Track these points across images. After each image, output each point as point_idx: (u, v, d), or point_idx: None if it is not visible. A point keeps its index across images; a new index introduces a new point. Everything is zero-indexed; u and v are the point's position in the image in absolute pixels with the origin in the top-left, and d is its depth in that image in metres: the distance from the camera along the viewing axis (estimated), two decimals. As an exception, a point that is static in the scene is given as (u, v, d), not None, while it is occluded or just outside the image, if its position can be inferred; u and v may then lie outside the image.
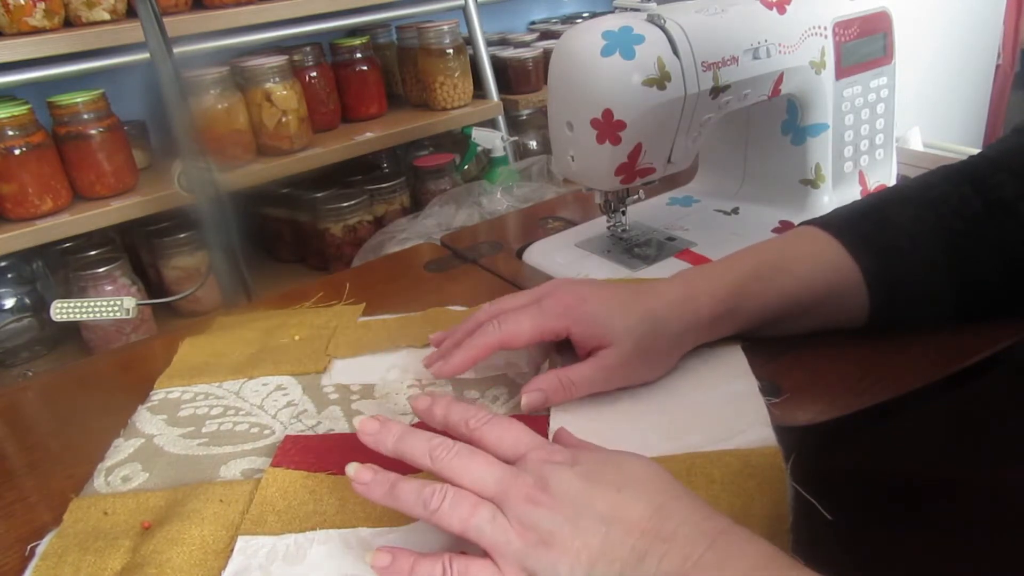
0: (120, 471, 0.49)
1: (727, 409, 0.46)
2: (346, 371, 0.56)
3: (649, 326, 0.47)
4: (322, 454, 0.47)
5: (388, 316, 0.62)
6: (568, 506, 0.35)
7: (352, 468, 0.39)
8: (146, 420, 0.54)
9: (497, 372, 0.52)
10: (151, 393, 0.56)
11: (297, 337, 0.61)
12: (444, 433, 0.40)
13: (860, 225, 0.50)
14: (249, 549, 0.41)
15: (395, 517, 0.41)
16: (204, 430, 0.52)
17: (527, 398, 0.47)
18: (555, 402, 0.48)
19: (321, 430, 0.50)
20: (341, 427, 0.50)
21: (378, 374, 0.55)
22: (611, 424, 0.46)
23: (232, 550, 0.41)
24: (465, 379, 0.52)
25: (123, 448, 0.51)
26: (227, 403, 0.54)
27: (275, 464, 0.47)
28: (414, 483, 0.37)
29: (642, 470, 0.37)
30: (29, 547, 0.44)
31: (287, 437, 0.49)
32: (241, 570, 0.40)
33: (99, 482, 0.49)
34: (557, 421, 0.47)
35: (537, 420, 0.47)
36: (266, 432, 0.51)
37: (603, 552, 0.34)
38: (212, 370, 0.58)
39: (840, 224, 0.51)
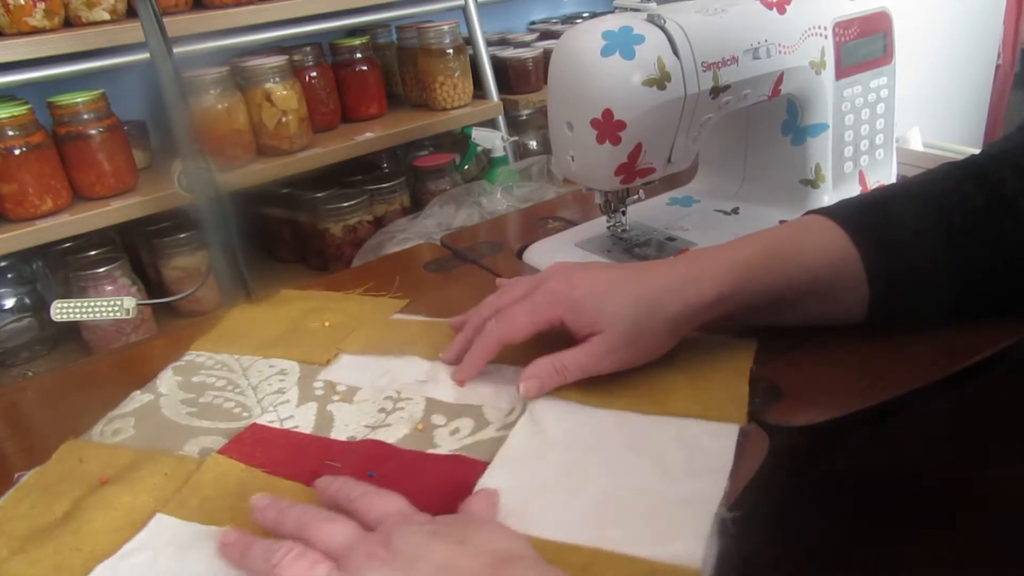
0: (117, 423, 0.52)
1: (671, 508, 0.39)
2: (347, 368, 0.56)
3: (645, 309, 0.47)
4: (272, 450, 0.48)
5: (421, 318, 0.61)
6: (404, 559, 0.34)
7: (222, 530, 0.40)
8: (166, 378, 0.57)
9: (479, 402, 0.50)
10: (185, 352, 0.59)
11: (327, 323, 0.62)
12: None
13: (865, 216, 0.50)
14: (158, 528, 0.43)
15: None
16: (200, 400, 0.54)
17: (524, 386, 0.48)
18: (549, 387, 0.48)
19: (289, 424, 0.51)
20: (308, 426, 0.50)
21: (371, 377, 0.54)
22: (541, 490, 0.42)
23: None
24: (440, 401, 0.51)
25: (133, 401, 0.54)
26: (233, 378, 0.56)
27: (222, 450, 0.48)
28: (266, 542, 0.38)
29: (496, 530, 0.36)
30: (16, 475, 0.47)
31: (252, 425, 0.51)
32: (140, 547, 0.42)
33: (96, 430, 0.52)
34: (492, 476, 0.43)
35: (473, 468, 0.44)
36: (244, 415, 0.52)
37: None
38: (241, 342, 0.60)
39: (846, 214, 0.51)
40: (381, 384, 0.53)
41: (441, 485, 0.43)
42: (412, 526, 0.36)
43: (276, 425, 0.51)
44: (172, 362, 0.59)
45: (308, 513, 0.39)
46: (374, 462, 0.45)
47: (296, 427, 0.50)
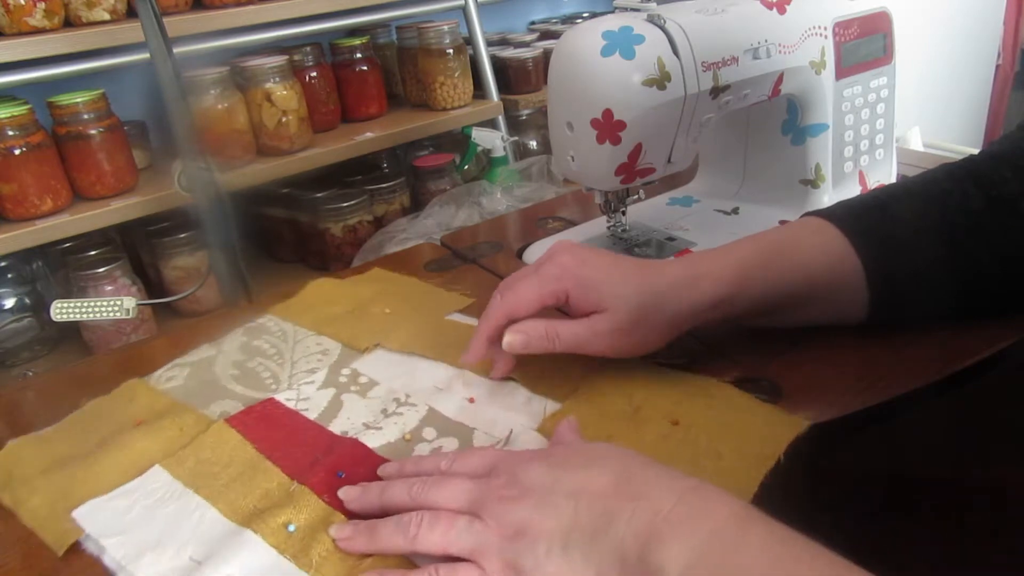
0: (175, 371, 0.57)
1: None
2: (377, 361, 0.57)
3: (648, 299, 0.47)
4: (273, 429, 0.49)
5: (474, 322, 0.59)
6: (536, 493, 0.36)
7: (334, 528, 0.40)
8: (234, 336, 0.61)
9: (473, 425, 0.49)
10: (262, 314, 0.63)
11: (388, 310, 0.63)
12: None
13: (864, 217, 0.50)
14: (150, 479, 0.46)
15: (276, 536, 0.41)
16: (247, 364, 0.57)
17: (508, 337, 0.48)
18: (536, 348, 0.48)
19: (302, 406, 0.52)
20: (316, 411, 0.51)
21: (393, 375, 0.55)
22: None
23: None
24: (440, 414, 0.50)
25: (198, 352, 0.59)
26: (282, 349, 0.58)
27: (230, 419, 0.50)
28: (391, 519, 0.38)
29: (609, 449, 0.38)
30: (83, 400, 0.54)
31: (269, 400, 0.52)
32: (127, 492, 0.45)
33: (158, 374, 0.57)
34: None
35: None
36: (271, 387, 0.54)
37: (575, 524, 0.34)
38: (308, 314, 0.62)
39: (844, 216, 0.50)
40: (396, 385, 0.53)
41: None
42: (530, 463, 0.37)
43: (291, 404, 0.52)
44: (248, 322, 0.63)
45: (415, 484, 0.39)
46: (349, 463, 0.45)
47: (306, 410, 0.51)
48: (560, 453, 0.39)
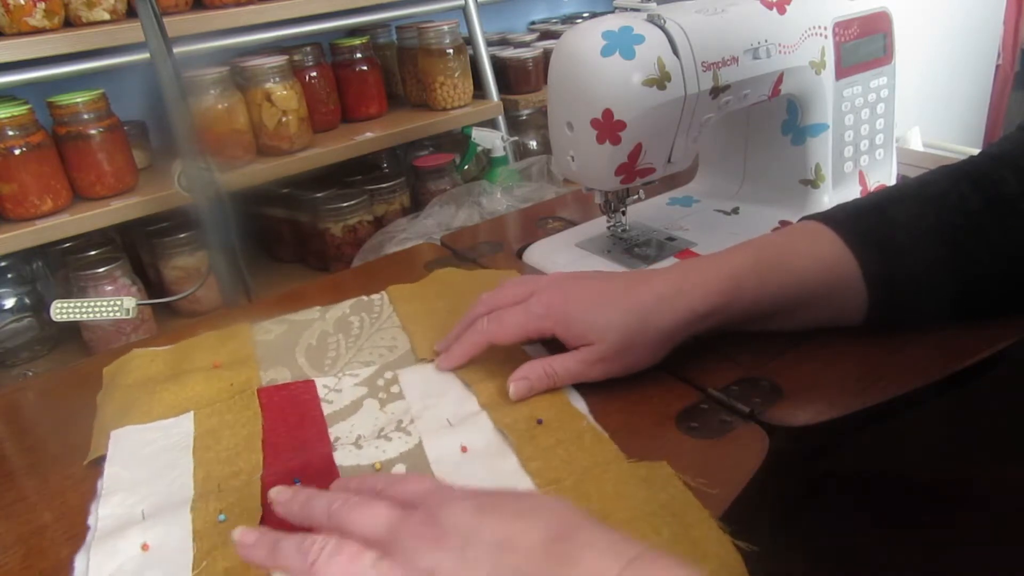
0: (275, 326, 0.60)
1: None
2: (422, 374, 0.54)
3: (634, 320, 0.47)
4: (288, 414, 0.51)
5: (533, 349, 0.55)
6: (456, 538, 0.32)
7: (237, 532, 0.37)
8: (341, 307, 0.63)
9: (440, 476, 0.45)
10: (381, 291, 0.64)
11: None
12: None
13: (861, 221, 0.50)
14: (180, 423, 0.50)
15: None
16: (329, 339, 0.58)
17: (515, 387, 0.48)
18: (539, 389, 0.49)
19: (330, 397, 0.52)
20: (334, 407, 0.51)
21: (421, 396, 0.51)
22: None
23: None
24: (423, 455, 0.46)
25: (305, 313, 0.62)
26: (364, 331, 0.59)
27: (260, 390, 0.52)
28: (297, 537, 0.35)
29: (548, 501, 0.34)
30: (202, 331, 0.59)
31: (306, 381, 0.53)
32: (159, 428, 0.49)
33: (262, 324, 0.61)
34: None
35: None
36: (324, 369, 0.55)
37: None
38: (413, 302, 0.62)
39: (841, 219, 0.50)
40: (417, 406, 0.50)
41: None
42: (456, 502, 0.34)
43: (323, 392, 0.53)
44: (364, 295, 0.64)
45: (337, 500, 0.36)
46: (312, 473, 0.45)
47: (330, 402, 0.52)
48: (489, 495, 0.34)
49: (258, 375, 0.54)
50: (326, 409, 0.51)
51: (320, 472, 0.45)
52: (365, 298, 0.64)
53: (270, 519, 0.41)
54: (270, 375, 0.55)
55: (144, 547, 0.40)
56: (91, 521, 0.44)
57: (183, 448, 0.48)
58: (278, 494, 0.40)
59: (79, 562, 0.41)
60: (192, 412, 0.51)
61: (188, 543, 0.40)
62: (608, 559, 0.29)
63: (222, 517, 0.42)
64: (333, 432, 0.49)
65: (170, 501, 0.44)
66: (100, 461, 0.48)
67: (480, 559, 0.31)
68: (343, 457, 0.47)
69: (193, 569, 0.39)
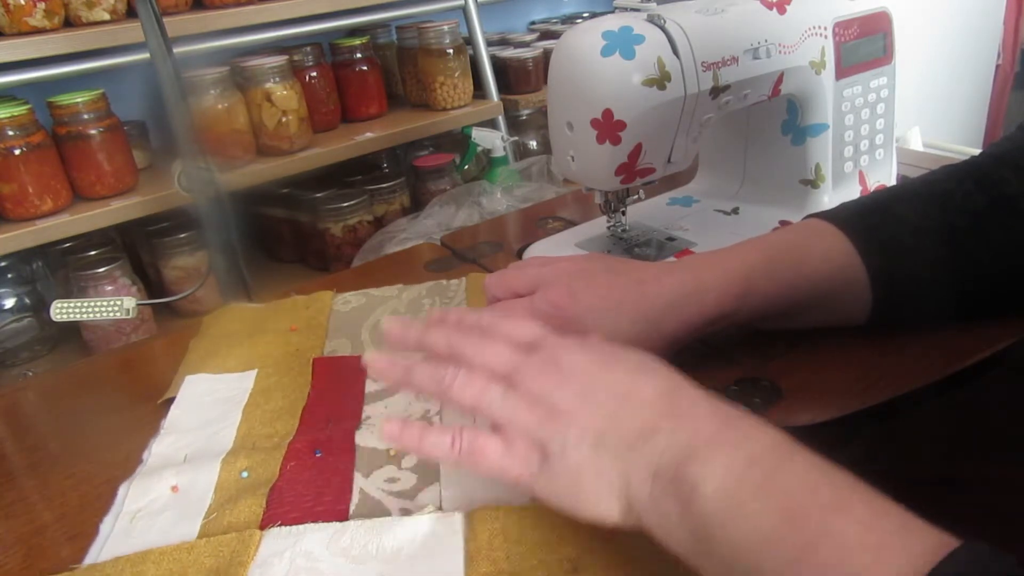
0: (355, 299, 0.63)
1: None
2: None
3: (643, 329, 0.46)
4: (335, 385, 0.52)
5: None
6: (579, 381, 0.35)
7: (368, 356, 0.41)
8: (419, 288, 0.64)
9: (446, 473, 0.44)
10: (456, 280, 0.66)
11: None
12: None
13: (867, 219, 0.50)
14: (243, 378, 0.53)
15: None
16: (403, 320, 0.58)
17: None
18: None
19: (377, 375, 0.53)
20: (380, 386, 0.52)
21: None
22: None
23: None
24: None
25: (386, 290, 0.64)
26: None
27: (316, 360, 0.55)
28: (430, 365, 0.38)
29: (656, 363, 0.37)
30: (291, 294, 0.63)
31: (360, 356, 0.51)
32: (226, 380, 0.53)
33: (344, 295, 0.64)
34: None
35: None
36: (383, 347, 0.55)
37: (613, 426, 0.34)
38: (480, 293, 0.62)
39: (847, 218, 0.50)
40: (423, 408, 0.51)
41: (324, 494, 0.43)
42: (575, 350, 0.37)
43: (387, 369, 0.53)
44: (454, 278, 0.66)
45: (459, 334, 0.39)
46: (333, 448, 0.46)
47: (374, 381, 0.53)
48: (606, 351, 0.38)
49: (322, 344, 0.57)
50: (369, 387, 0.52)
51: (338, 447, 0.46)
52: (444, 282, 0.66)
53: (281, 486, 0.43)
54: (332, 345, 0.57)
55: (174, 489, 0.43)
56: (144, 455, 0.48)
57: (237, 403, 0.51)
58: (390, 327, 0.42)
59: (121, 491, 0.44)
60: (256, 370, 0.54)
61: (209, 493, 0.43)
62: (710, 416, 0.34)
63: (244, 474, 0.44)
64: (367, 411, 0.50)
65: (210, 450, 0.46)
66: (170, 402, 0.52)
67: (603, 404, 0.35)
68: (363, 438, 0.47)
69: (204, 518, 0.41)
